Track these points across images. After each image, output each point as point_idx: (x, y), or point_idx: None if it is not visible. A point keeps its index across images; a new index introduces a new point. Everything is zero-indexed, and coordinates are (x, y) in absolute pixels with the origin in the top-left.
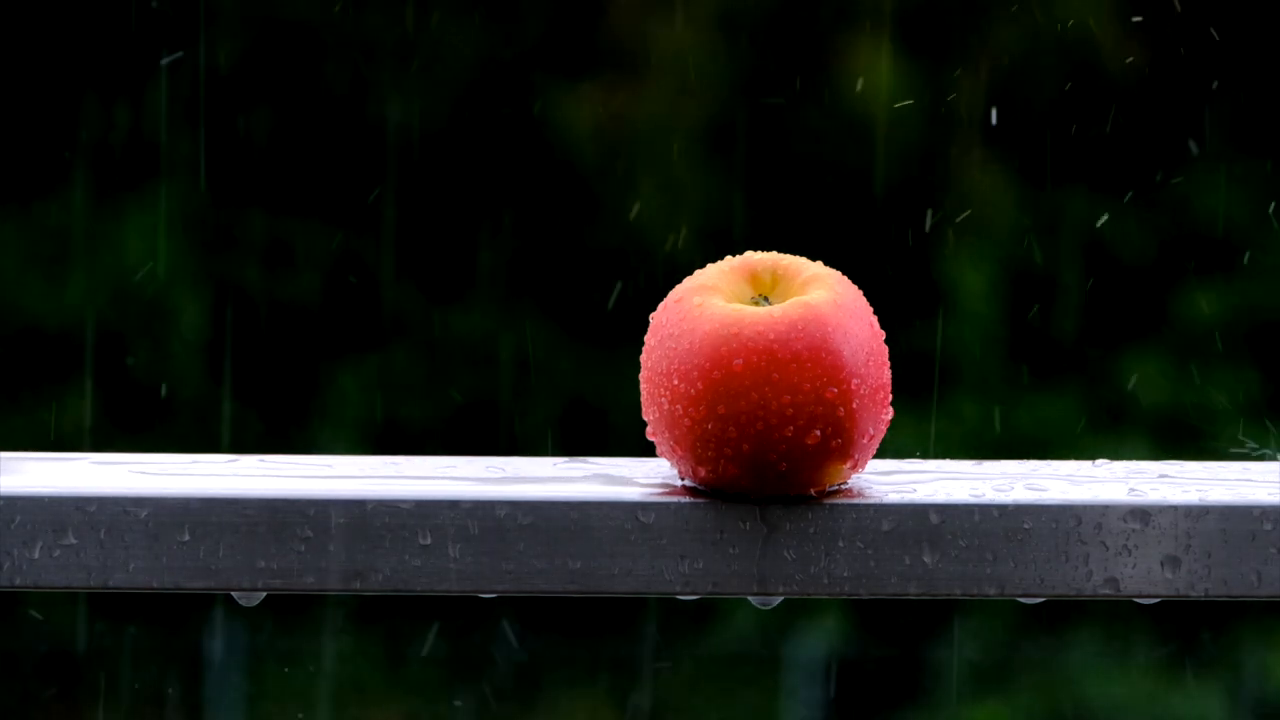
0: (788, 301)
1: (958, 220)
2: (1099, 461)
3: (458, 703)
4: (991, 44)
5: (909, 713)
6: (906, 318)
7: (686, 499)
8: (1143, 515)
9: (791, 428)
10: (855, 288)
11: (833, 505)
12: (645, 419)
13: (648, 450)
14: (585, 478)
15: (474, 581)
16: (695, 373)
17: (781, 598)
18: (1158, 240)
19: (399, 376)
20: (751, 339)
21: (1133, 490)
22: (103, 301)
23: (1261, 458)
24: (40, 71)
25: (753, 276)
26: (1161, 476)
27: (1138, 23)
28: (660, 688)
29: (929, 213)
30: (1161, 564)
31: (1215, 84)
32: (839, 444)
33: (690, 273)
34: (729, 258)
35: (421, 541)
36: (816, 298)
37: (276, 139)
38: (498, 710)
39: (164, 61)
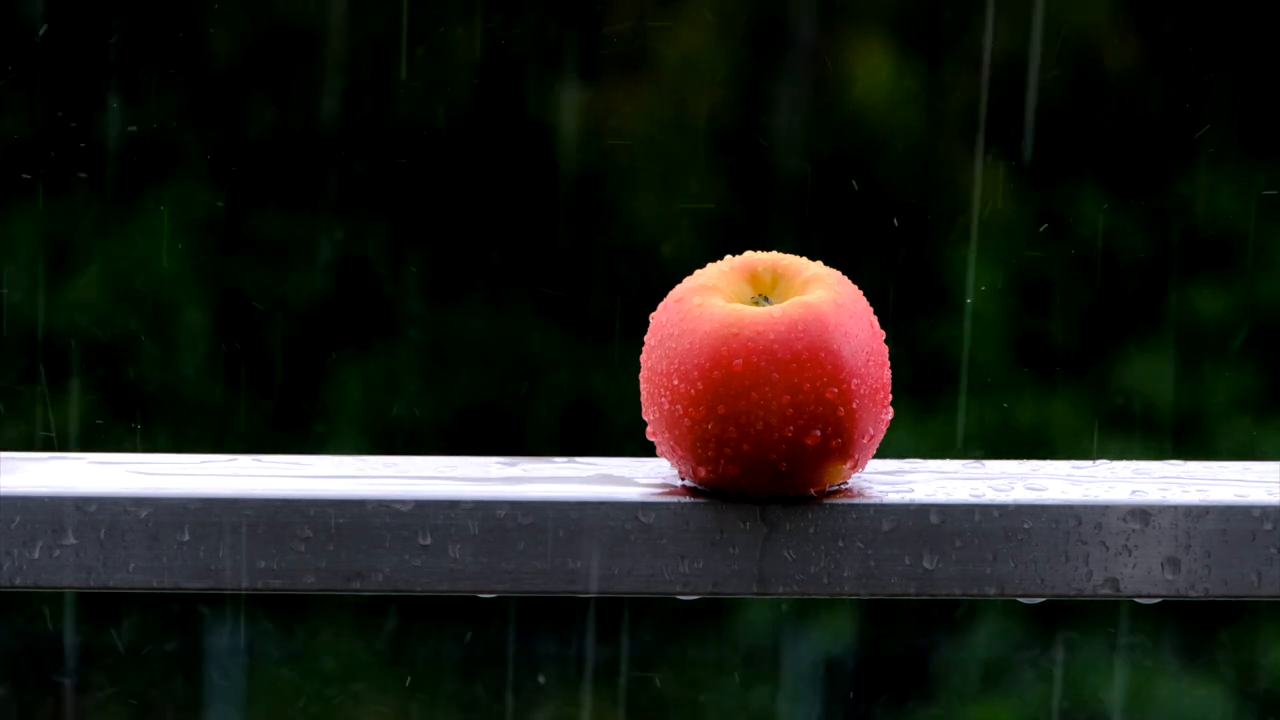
0: (788, 301)
1: (958, 220)
2: (1099, 461)
3: (458, 703)
4: (992, 42)
5: (910, 712)
6: (906, 318)
7: (686, 499)
8: (1143, 515)
9: (791, 428)
10: (855, 288)
11: (833, 505)
12: (645, 419)
13: (648, 450)
14: (585, 478)
15: (474, 581)
16: (695, 373)
17: (781, 597)
18: (1159, 239)
19: (400, 377)
20: (751, 339)
21: (1133, 490)
22: (105, 301)
23: (1262, 457)
24: (43, 71)
25: (753, 276)
26: (1162, 476)
27: (1140, 21)
28: (661, 687)
29: (929, 212)
30: (1161, 564)
31: (1218, 83)
32: (839, 444)
33: (690, 273)
34: (729, 258)
35: (421, 541)
36: (816, 298)
37: (278, 138)
38: (498, 710)
39: (167, 60)
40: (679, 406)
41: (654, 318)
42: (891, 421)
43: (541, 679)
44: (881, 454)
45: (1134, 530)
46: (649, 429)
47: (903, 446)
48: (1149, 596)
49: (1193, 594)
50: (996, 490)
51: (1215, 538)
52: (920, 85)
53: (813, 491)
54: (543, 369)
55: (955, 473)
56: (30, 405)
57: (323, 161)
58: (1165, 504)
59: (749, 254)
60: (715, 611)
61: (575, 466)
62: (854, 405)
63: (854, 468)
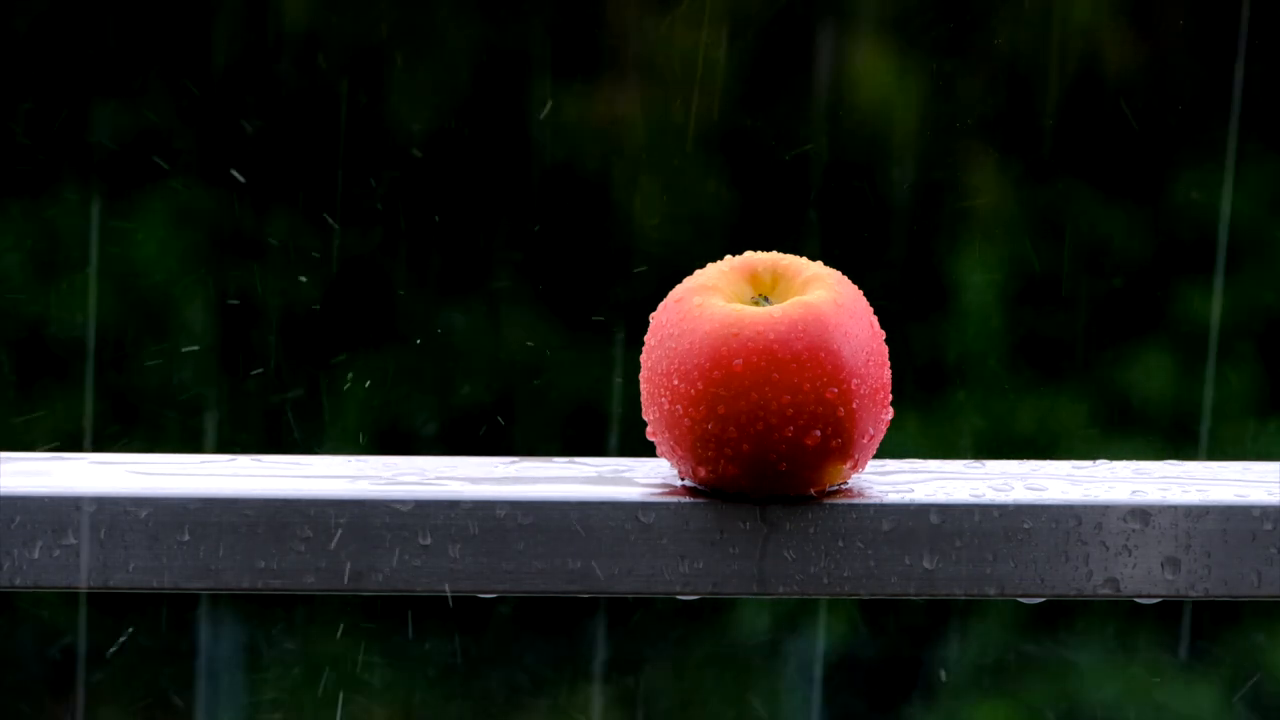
0: (788, 301)
1: (959, 220)
2: (1099, 461)
3: (457, 703)
4: (993, 42)
5: (910, 712)
6: (906, 318)
7: (686, 499)
8: (1143, 515)
9: (791, 428)
10: (855, 288)
11: (833, 505)
12: (645, 419)
13: (648, 450)
14: (585, 478)
15: (474, 581)
16: (695, 373)
17: (781, 597)
18: (1160, 239)
19: (400, 377)
20: (751, 339)
21: (1133, 490)
22: (104, 301)
23: (1262, 457)
24: (42, 70)
25: (753, 276)
26: (1162, 476)
27: (1141, 20)
28: (660, 687)
29: (930, 212)
30: (1161, 564)
31: (1218, 82)
32: (839, 444)
33: (690, 273)
34: (729, 258)
35: (421, 541)
36: (816, 297)
37: (278, 138)
38: (498, 710)
39: (167, 60)
40: (679, 406)
41: (654, 318)
42: (891, 421)
43: (541, 678)
44: (881, 454)
45: (1134, 530)
46: (649, 429)
47: (903, 447)
48: (1149, 596)
49: (1193, 594)
50: (996, 490)
51: (1215, 538)
52: (921, 85)
53: (813, 491)
54: (543, 369)
55: (955, 473)
56: (30, 405)
57: (323, 162)
58: (1165, 504)
59: (749, 254)
60: (715, 611)
61: (575, 466)
62: (854, 405)
63: (854, 468)
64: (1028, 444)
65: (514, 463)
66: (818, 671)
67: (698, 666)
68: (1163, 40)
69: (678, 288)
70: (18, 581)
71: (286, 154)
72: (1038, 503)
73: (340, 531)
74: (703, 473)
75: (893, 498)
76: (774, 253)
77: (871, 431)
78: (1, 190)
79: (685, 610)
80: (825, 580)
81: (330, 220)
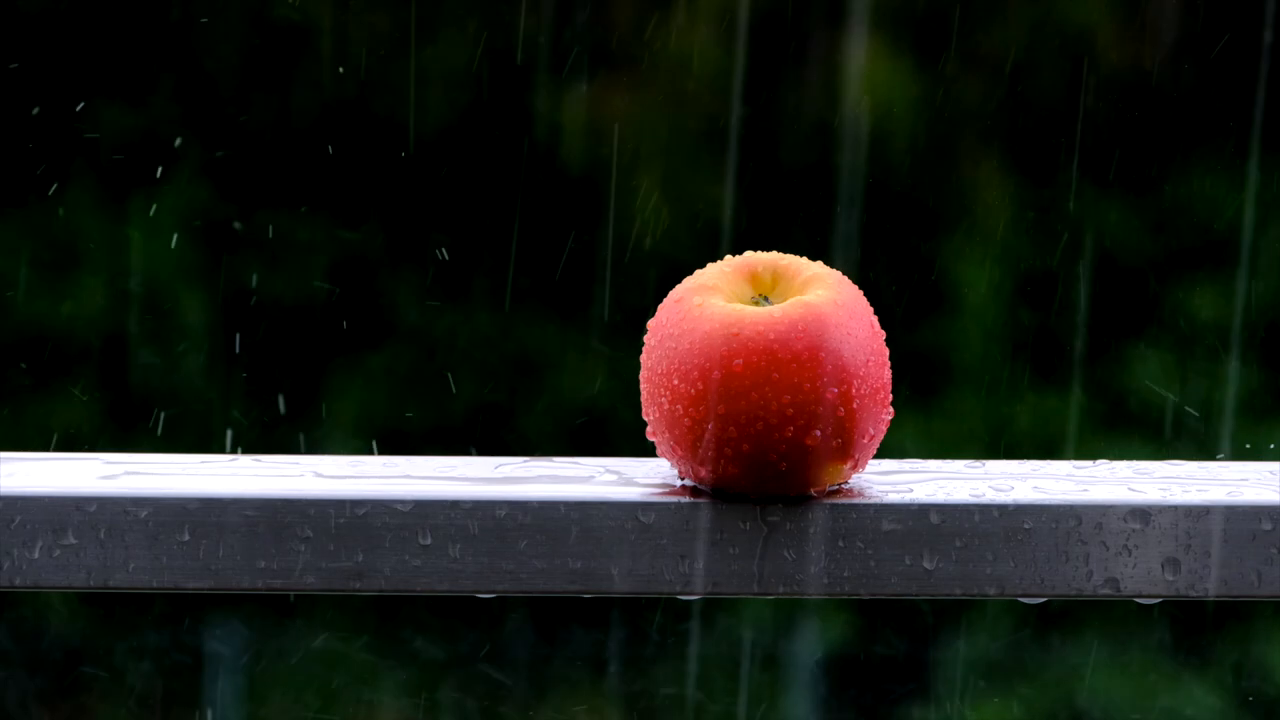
0: (788, 301)
1: (958, 219)
2: (1099, 461)
3: (458, 703)
4: (993, 41)
5: (910, 711)
6: (907, 317)
7: (686, 499)
8: (1143, 515)
9: (791, 428)
10: (855, 288)
11: (833, 505)
12: (645, 419)
13: (648, 450)
14: (585, 478)
15: (474, 581)
16: (695, 373)
17: (779, 597)
18: (1160, 238)
19: (400, 377)
20: (751, 339)
21: (1133, 490)
22: (103, 301)
23: (1262, 457)
24: (42, 71)
25: (753, 276)
26: (1162, 476)
27: (1141, 19)
28: (660, 686)
29: (930, 212)
30: (1161, 564)
31: (1218, 81)
32: (839, 444)
33: (690, 273)
34: (729, 258)
35: (421, 541)
36: (816, 298)
37: (278, 138)
38: (498, 710)
39: (167, 60)
40: (679, 406)
41: (654, 318)
42: (891, 421)
43: (540, 678)
44: (881, 454)
45: (1134, 530)
46: (649, 429)
47: (903, 447)
48: (1149, 596)
49: (1193, 594)
50: (996, 490)
51: (1215, 538)
52: (921, 85)
53: (813, 491)
54: (543, 369)
55: (955, 473)
56: (30, 405)
57: (322, 162)
58: (1165, 504)
59: (749, 254)
60: (714, 611)
61: (575, 466)
62: (854, 405)
63: (854, 468)
64: (1028, 444)
65: (514, 463)
66: (817, 671)
67: (697, 666)
68: (1162, 39)
69: (678, 288)
70: (18, 581)
71: (286, 154)
72: (1038, 503)
73: (340, 531)
74: (703, 473)
75: (893, 498)
76: (774, 253)
77: (871, 431)
78: (3, 191)
79: (685, 610)
80: (825, 580)
81: (331, 220)
